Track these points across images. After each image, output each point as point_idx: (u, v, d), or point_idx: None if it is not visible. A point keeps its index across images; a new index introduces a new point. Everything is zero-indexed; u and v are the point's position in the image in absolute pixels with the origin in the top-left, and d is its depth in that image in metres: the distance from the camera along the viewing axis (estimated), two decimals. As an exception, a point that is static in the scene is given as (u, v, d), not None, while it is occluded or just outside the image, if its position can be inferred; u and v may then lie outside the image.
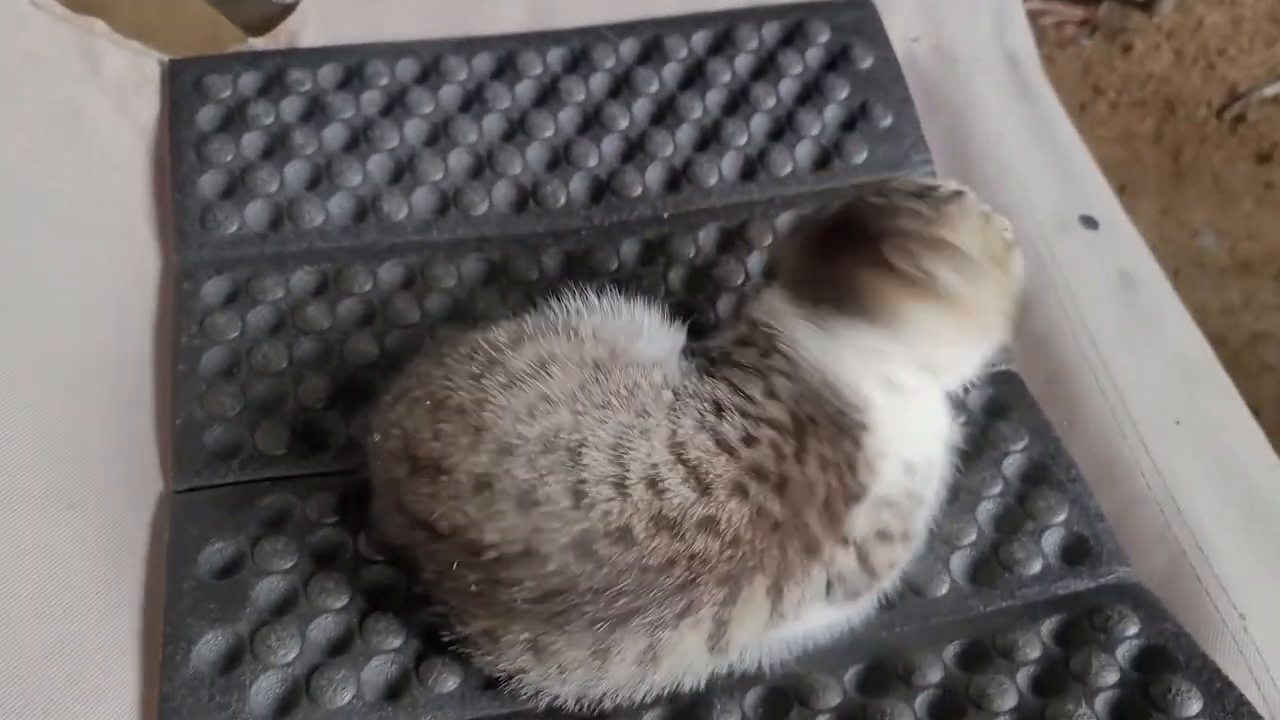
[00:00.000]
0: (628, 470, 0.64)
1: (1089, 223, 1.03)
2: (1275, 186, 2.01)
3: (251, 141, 0.99)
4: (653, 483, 0.64)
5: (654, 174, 1.01)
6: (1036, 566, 0.81)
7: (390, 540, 0.73)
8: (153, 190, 0.96)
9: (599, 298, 0.76)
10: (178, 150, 0.97)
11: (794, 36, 1.09)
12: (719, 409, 0.68)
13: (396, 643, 0.75)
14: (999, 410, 0.90)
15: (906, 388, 0.73)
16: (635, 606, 0.64)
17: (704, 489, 0.64)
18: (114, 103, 0.98)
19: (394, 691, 0.73)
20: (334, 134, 1.00)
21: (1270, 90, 2.10)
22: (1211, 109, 2.11)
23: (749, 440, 0.67)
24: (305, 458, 0.84)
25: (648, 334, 0.75)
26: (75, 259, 0.90)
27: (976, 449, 0.87)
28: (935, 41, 1.14)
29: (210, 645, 0.74)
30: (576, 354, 0.70)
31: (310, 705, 0.72)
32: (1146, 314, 0.97)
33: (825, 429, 0.69)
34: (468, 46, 1.06)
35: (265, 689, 0.72)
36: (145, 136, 0.99)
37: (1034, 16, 2.21)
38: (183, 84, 1.01)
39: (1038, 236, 1.00)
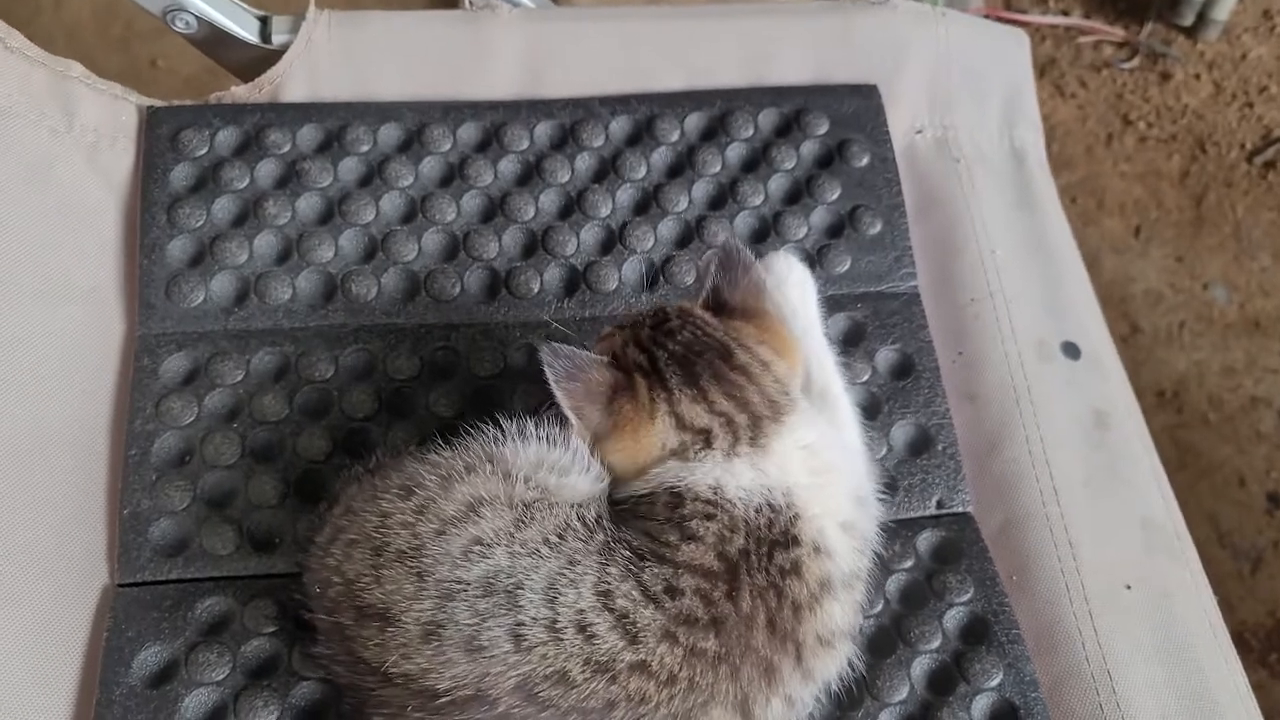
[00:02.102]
0: (558, 614, 0.65)
1: (1071, 351, 1.01)
2: (1298, 242, 1.96)
3: (224, 207, 0.97)
4: (582, 628, 0.65)
5: (631, 268, 0.99)
6: (963, 735, 0.82)
7: (338, 681, 0.74)
8: (123, 254, 0.95)
9: (535, 427, 0.75)
10: (149, 212, 0.96)
11: (791, 127, 1.06)
12: (640, 558, 0.69)
13: (320, 768, 0.76)
14: (948, 556, 0.90)
15: (814, 440, 0.75)
16: None
17: (632, 639, 0.66)
18: (87, 158, 0.96)
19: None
20: (308, 204, 0.98)
21: (1307, 137, 2.03)
22: (1244, 151, 2.04)
23: (672, 591, 0.67)
24: (250, 558, 0.84)
25: (580, 468, 0.74)
26: (41, 327, 0.89)
27: (921, 597, 0.87)
28: (939, 134, 1.11)
29: (135, 762, 0.75)
30: (506, 495, 0.71)
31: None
32: (1116, 461, 0.95)
33: (758, 554, 0.70)
34: (455, 113, 1.03)
35: (186, 812, 0.74)
36: (118, 194, 0.97)
37: (1072, 34, 2.13)
38: (159, 138, 0.99)
39: (1015, 365, 0.98)
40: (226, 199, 0.97)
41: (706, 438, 0.72)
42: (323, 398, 0.91)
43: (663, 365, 0.74)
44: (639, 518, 0.72)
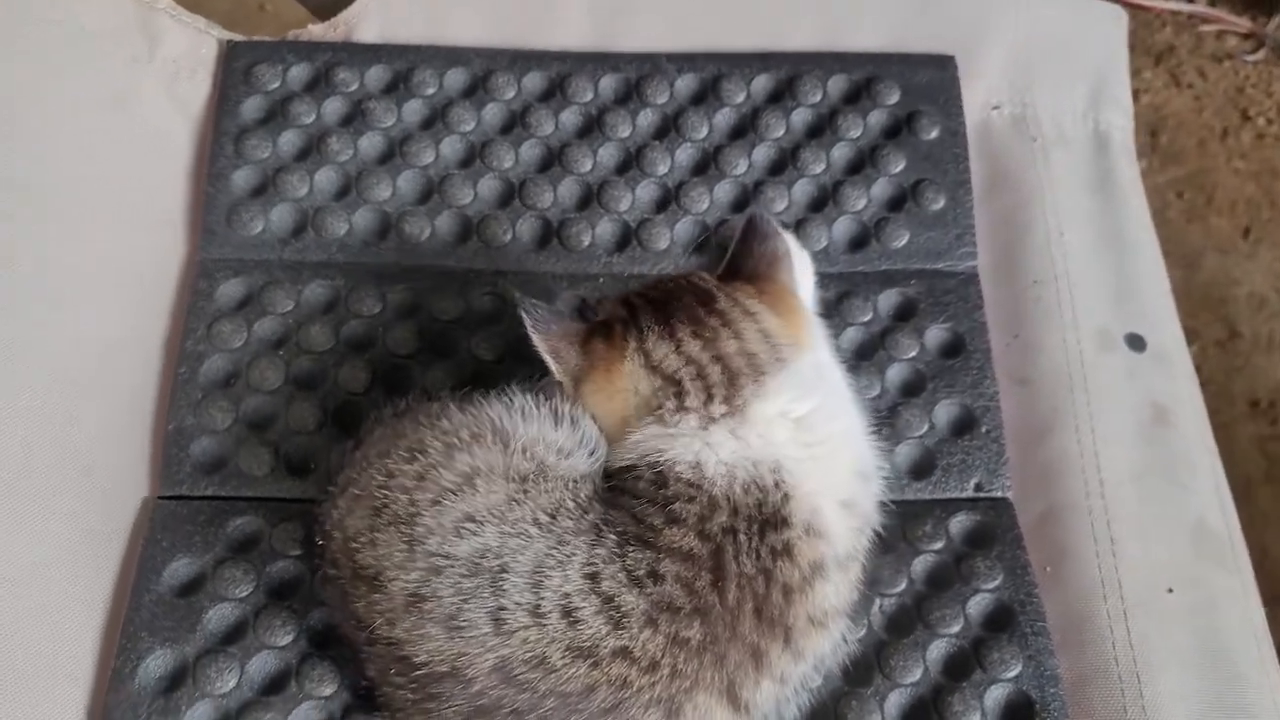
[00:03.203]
0: (542, 599, 0.65)
1: (1135, 343, 0.97)
2: None
3: (289, 140, 0.99)
4: (567, 612, 0.65)
5: (683, 229, 0.98)
6: (973, 723, 0.80)
7: (340, 627, 0.75)
8: (192, 181, 0.98)
9: (538, 405, 0.73)
10: (218, 142, 0.98)
11: (861, 95, 1.03)
12: (625, 541, 0.67)
13: (328, 691, 0.79)
14: (980, 541, 0.87)
15: (808, 410, 0.71)
16: None
17: (616, 624, 0.65)
18: (166, 87, 1.00)
19: (316, 739, 0.77)
20: (370, 143, 1.00)
21: None
22: (1371, 156, 1.92)
23: (654, 576, 0.66)
24: (283, 481, 0.87)
25: (583, 447, 0.73)
26: (113, 247, 0.93)
27: (947, 580, 0.85)
28: (1018, 111, 1.07)
29: (157, 663, 0.79)
30: (503, 466, 0.70)
31: (237, 740, 0.76)
32: (1173, 461, 0.91)
33: (747, 534, 0.68)
34: (522, 61, 1.04)
35: (199, 718, 0.77)
36: (193, 124, 1.00)
37: (1194, 21, 2.03)
38: (234, 71, 1.01)
39: (1073, 352, 0.95)
40: (292, 133, 0.99)
41: (678, 391, 0.70)
42: (368, 332, 0.93)
43: (639, 308, 0.74)
44: (626, 494, 0.70)
